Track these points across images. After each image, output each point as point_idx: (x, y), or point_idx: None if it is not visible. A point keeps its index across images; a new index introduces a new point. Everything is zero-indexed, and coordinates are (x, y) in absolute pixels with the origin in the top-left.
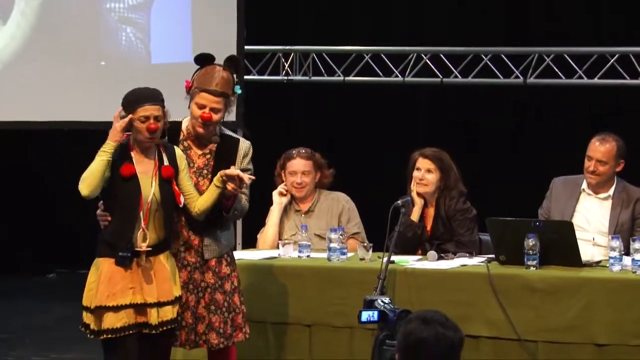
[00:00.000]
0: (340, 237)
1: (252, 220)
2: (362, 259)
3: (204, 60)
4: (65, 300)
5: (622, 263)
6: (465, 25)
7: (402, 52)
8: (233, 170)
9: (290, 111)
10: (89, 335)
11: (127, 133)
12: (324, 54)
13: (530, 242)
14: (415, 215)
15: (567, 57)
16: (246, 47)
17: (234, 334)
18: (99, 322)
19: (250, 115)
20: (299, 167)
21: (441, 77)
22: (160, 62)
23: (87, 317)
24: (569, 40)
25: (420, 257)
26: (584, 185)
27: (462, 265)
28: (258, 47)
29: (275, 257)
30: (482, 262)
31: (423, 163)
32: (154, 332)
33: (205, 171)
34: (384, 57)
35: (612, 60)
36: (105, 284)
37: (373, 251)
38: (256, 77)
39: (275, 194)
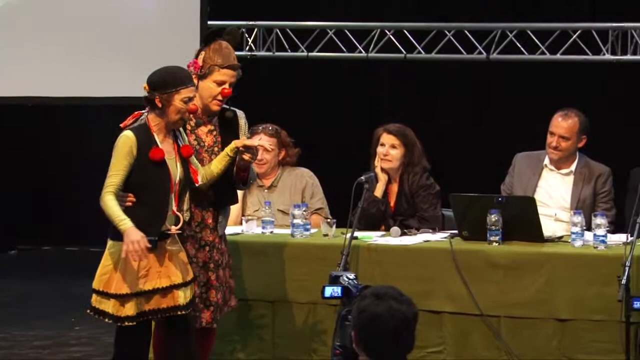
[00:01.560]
0: (304, 213)
1: None
2: (325, 235)
3: (216, 36)
4: (26, 278)
5: (584, 238)
6: (429, 1)
7: (366, 28)
8: (252, 141)
9: (254, 87)
10: (106, 320)
11: (140, 112)
12: (287, 30)
13: (493, 217)
14: (379, 192)
15: (529, 33)
16: (209, 22)
17: (224, 308)
18: (122, 307)
19: None
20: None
21: (405, 52)
22: None
23: (103, 303)
24: (532, 16)
25: (383, 233)
26: (546, 161)
27: (425, 241)
28: (221, 22)
29: (239, 233)
30: (445, 237)
31: (387, 139)
32: (184, 312)
33: (215, 148)
34: (347, 32)
35: (574, 36)
36: (128, 269)
37: (337, 227)
38: None
39: None
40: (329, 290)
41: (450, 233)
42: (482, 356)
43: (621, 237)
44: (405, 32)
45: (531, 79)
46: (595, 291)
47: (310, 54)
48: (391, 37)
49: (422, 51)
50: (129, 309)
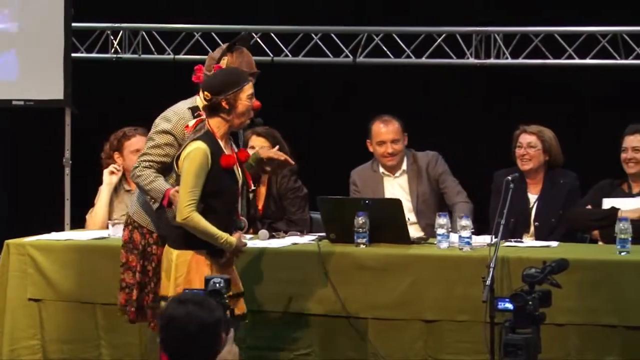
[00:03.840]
0: None
1: (79, 201)
2: None
3: (244, 42)
4: None
5: (449, 240)
6: (295, 4)
7: (232, 30)
8: (278, 154)
9: (120, 89)
10: None
11: (200, 118)
12: (153, 32)
13: (360, 220)
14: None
15: (395, 36)
16: (73, 24)
17: None
18: None
19: (79, 93)
20: (140, 144)
21: (272, 55)
22: None
23: None
24: (399, 19)
25: (251, 236)
26: (381, 169)
27: (293, 244)
28: (86, 24)
29: (105, 238)
30: (312, 240)
31: (255, 141)
32: (247, 321)
33: None
34: (214, 35)
35: (439, 40)
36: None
37: None
38: (84, 54)
39: (106, 173)
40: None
41: (318, 236)
42: (349, 357)
43: (486, 239)
44: (272, 35)
45: (397, 81)
46: (460, 292)
47: (177, 56)
48: (258, 40)
49: (289, 54)
50: None
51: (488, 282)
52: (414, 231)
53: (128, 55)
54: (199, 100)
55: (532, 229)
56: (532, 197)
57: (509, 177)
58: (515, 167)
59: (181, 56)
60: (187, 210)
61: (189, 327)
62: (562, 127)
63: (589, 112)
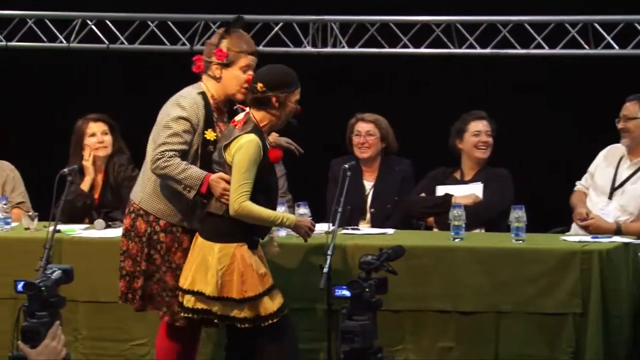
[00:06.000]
0: (4, 206)
1: None
2: (27, 229)
3: (242, 23)
4: None
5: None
6: None
7: (67, 18)
8: (290, 142)
9: None
10: (241, 325)
11: (247, 112)
12: None
13: None
14: (86, 185)
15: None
16: None
17: None
18: (258, 309)
19: None
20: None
21: (107, 43)
22: None
23: (230, 308)
24: (235, 8)
25: (87, 225)
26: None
27: None
28: None
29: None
30: None
31: (95, 127)
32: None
33: None
34: (47, 22)
35: (276, 28)
36: (251, 270)
37: (39, 220)
38: None
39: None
40: (20, 285)
41: None
42: None
43: (323, 227)
44: (107, 22)
45: None
46: (299, 280)
47: (9, 43)
48: (93, 27)
49: (125, 42)
50: (267, 308)
51: (325, 270)
52: None
53: None
54: (203, 86)
55: (368, 215)
56: (368, 184)
57: (346, 165)
58: (351, 155)
59: (14, 43)
60: (239, 201)
61: None
62: (397, 115)
63: (424, 100)
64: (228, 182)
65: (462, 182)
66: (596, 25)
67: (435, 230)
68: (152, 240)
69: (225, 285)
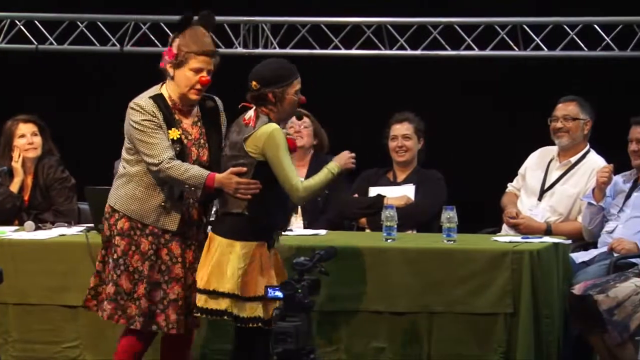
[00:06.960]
0: None
1: None
2: None
3: (188, 22)
4: None
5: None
6: None
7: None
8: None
9: None
10: (254, 325)
11: (255, 110)
12: None
13: None
14: (15, 186)
15: (163, 25)
16: None
17: None
18: (269, 309)
19: None
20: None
21: (36, 44)
22: None
23: (248, 308)
24: (167, 9)
25: (17, 227)
26: None
27: (60, 235)
28: None
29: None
30: (81, 231)
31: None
32: None
33: (202, 140)
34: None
35: (231, 29)
36: (270, 270)
37: None
38: None
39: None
40: None
41: (87, 227)
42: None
43: None
44: (37, 22)
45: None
46: None
47: None
48: (22, 27)
49: (54, 42)
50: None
51: None
52: None
53: None
54: (163, 87)
55: (299, 209)
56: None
57: None
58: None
59: None
60: (295, 189)
61: None
62: (328, 116)
63: (355, 101)
64: (239, 175)
65: (394, 183)
66: (525, 27)
67: (368, 231)
68: (111, 243)
69: (244, 284)
